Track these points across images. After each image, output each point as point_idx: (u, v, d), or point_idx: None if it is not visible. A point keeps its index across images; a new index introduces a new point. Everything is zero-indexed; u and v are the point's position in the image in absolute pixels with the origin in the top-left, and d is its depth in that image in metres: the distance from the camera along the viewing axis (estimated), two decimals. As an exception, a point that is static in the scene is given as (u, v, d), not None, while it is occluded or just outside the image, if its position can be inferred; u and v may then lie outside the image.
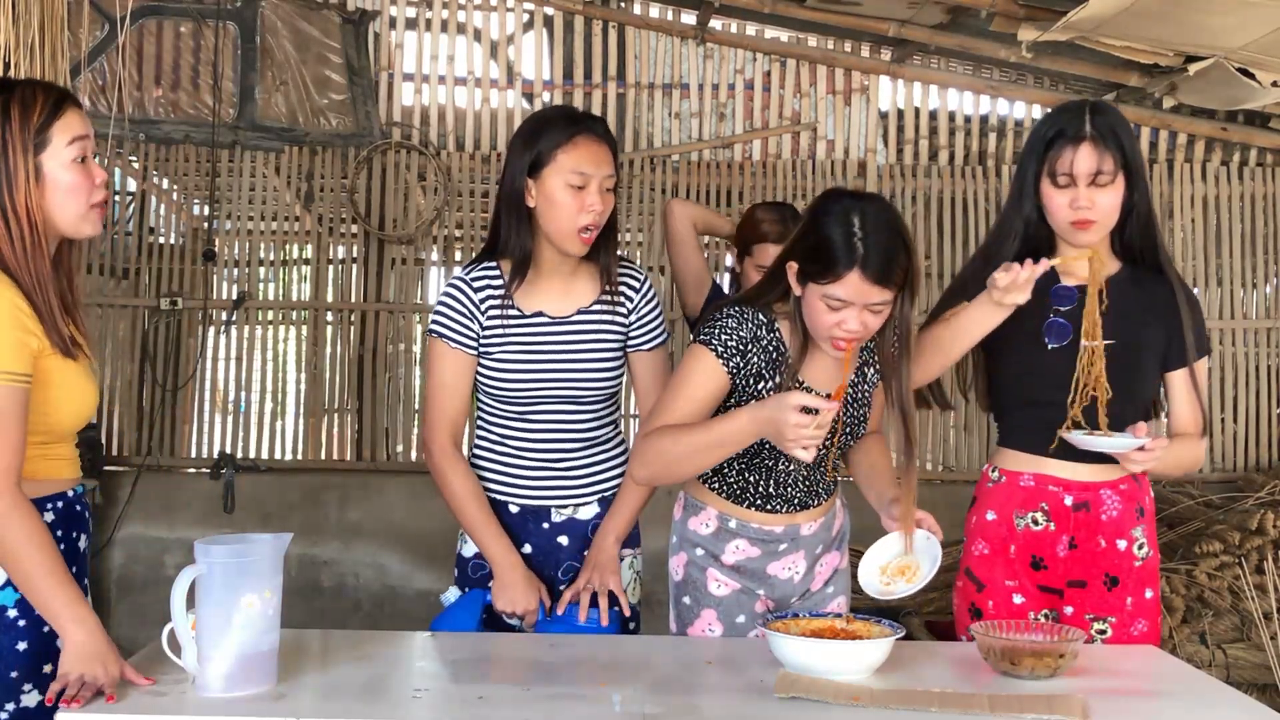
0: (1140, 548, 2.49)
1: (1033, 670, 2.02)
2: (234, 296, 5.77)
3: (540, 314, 2.50)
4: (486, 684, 2.07)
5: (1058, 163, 2.41)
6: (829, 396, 2.25)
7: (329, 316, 5.86)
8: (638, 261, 5.87)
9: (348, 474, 5.69)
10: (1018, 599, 2.50)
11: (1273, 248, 5.86)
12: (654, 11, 6.00)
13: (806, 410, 2.08)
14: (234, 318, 5.76)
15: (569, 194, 2.39)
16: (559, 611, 2.44)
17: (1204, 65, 4.57)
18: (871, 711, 1.84)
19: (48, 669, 1.99)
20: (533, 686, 1.97)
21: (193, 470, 5.69)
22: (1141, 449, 2.33)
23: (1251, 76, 4.51)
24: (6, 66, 3.13)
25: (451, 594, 2.56)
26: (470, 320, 2.48)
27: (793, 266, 2.26)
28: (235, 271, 5.86)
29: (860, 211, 2.19)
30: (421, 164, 5.85)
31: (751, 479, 2.41)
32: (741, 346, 2.30)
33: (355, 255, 5.90)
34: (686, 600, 2.46)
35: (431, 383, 2.52)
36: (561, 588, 2.53)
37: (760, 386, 2.31)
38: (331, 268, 5.93)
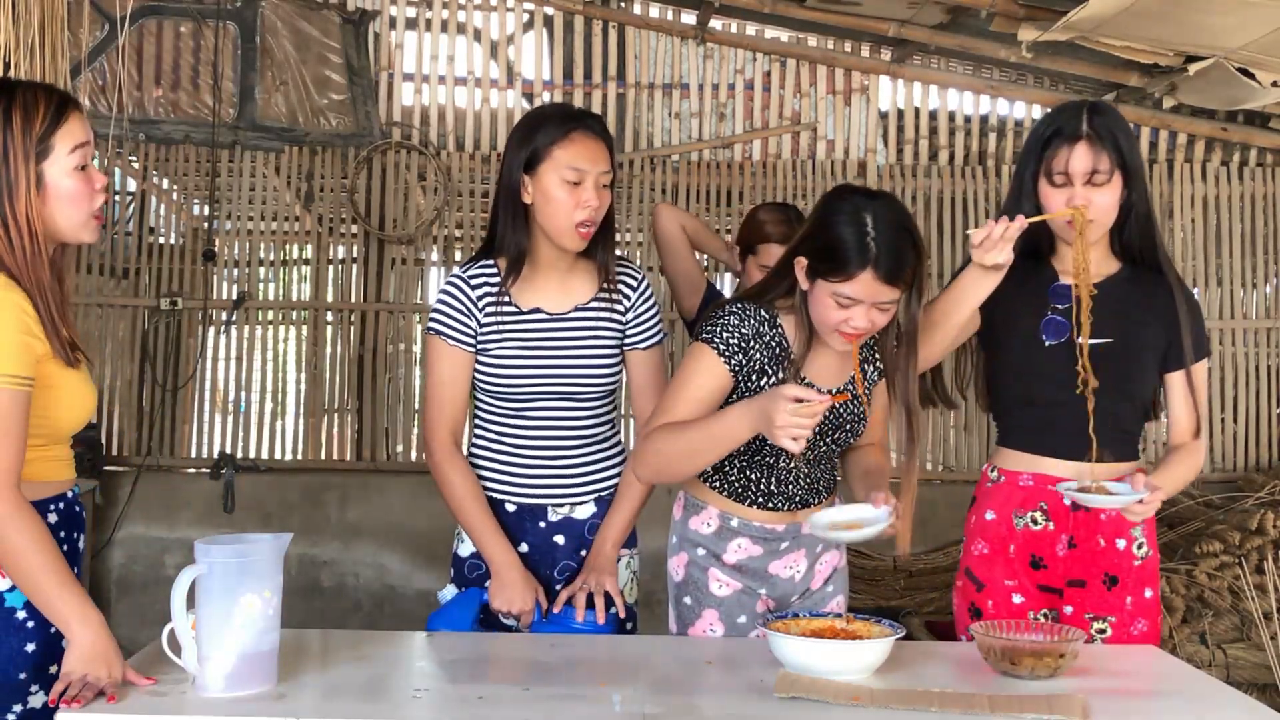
0: (1140, 547, 2.49)
1: (1033, 670, 2.02)
2: (234, 296, 5.77)
3: (538, 311, 2.50)
4: (486, 684, 2.07)
5: (1054, 162, 2.41)
6: (834, 394, 2.26)
7: (329, 316, 5.86)
8: (637, 262, 5.87)
9: (348, 474, 5.69)
10: (1017, 598, 2.50)
11: (1273, 248, 5.86)
12: (654, 11, 6.00)
13: (799, 402, 2.08)
14: (234, 318, 5.76)
15: (565, 190, 2.39)
16: (555, 610, 2.44)
17: (1204, 65, 4.57)
18: (871, 711, 1.84)
19: (54, 670, 1.98)
20: (533, 686, 1.97)
21: (193, 470, 5.69)
22: (1141, 501, 2.30)
23: (1251, 76, 4.51)
24: (6, 66, 3.13)
25: (448, 591, 2.57)
26: (468, 318, 2.48)
27: (801, 262, 2.26)
28: (235, 271, 5.86)
29: (873, 211, 2.19)
30: (421, 164, 5.85)
31: (753, 477, 2.41)
32: (743, 344, 2.31)
33: (355, 255, 5.91)
34: (687, 600, 2.46)
35: (430, 381, 2.53)
36: (558, 588, 2.53)
37: (763, 383, 2.32)
38: (331, 268, 5.93)
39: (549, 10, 6.01)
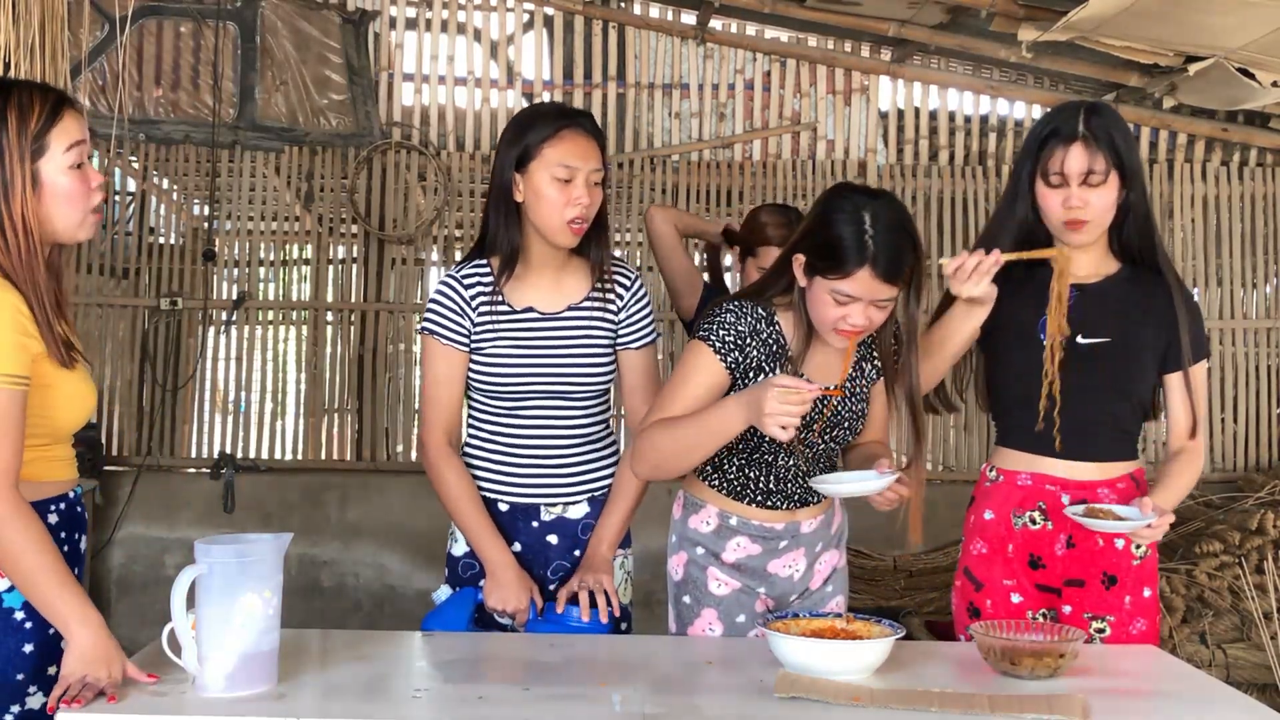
0: (1138, 546, 2.49)
1: (1033, 670, 2.02)
2: (234, 296, 5.77)
3: (531, 310, 2.50)
4: (486, 684, 2.07)
5: (1050, 162, 2.42)
6: (828, 390, 2.27)
7: (329, 316, 5.86)
8: (636, 262, 5.88)
9: (348, 474, 5.69)
10: (1016, 598, 2.50)
11: (1273, 248, 5.86)
12: (654, 11, 6.01)
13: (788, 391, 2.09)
14: (234, 318, 5.76)
15: (555, 188, 2.40)
16: (558, 610, 2.44)
17: (1204, 65, 4.58)
18: (871, 711, 1.84)
19: (53, 671, 1.98)
20: (533, 686, 1.97)
21: (193, 470, 5.70)
22: (1149, 525, 2.30)
23: (1251, 76, 4.51)
24: (6, 66, 3.13)
25: (443, 592, 2.57)
26: (462, 317, 2.48)
27: (799, 259, 2.27)
28: (235, 271, 5.86)
29: (872, 209, 2.20)
30: (421, 164, 5.85)
31: (752, 475, 2.41)
32: (740, 341, 2.31)
33: (355, 255, 5.91)
34: (686, 600, 2.46)
35: (426, 381, 2.53)
36: (551, 587, 2.53)
37: (760, 380, 2.32)
38: (331, 268, 5.93)
39: (549, 10, 6.01)
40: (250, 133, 5.79)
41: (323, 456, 5.79)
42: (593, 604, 2.43)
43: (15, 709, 1.96)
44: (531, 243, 2.48)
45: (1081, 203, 2.40)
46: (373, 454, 5.75)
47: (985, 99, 6.02)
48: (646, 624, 4.58)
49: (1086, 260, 2.50)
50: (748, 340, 2.32)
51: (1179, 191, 5.85)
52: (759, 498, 2.42)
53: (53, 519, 2.02)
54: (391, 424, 5.80)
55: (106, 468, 5.48)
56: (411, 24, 6.03)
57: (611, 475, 2.59)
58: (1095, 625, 2.46)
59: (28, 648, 1.97)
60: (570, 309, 2.52)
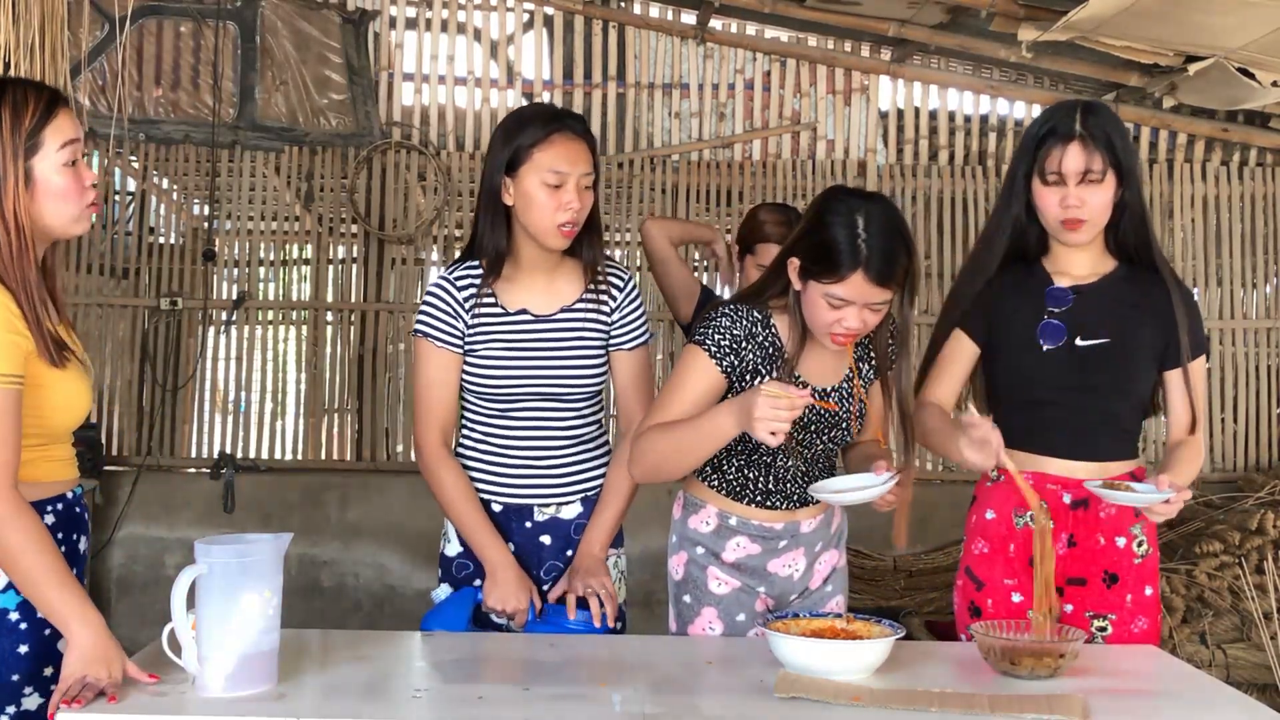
0: (1140, 545, 2.49)
1: (1033, 670, 2.02)
2: (234, 296, 5.77)
3: (524, 312, 2.50)
4: (486, 684, 2.07)
5: (1047, 161, 2.42)
6: (820, 397, 2.30)
7: (329, 316, 5.86)
8: (635, 262, 5.88)
9: (348, 474, 5.69)
10: (1017, 597, 2.50)
11: (1273, 248, 5.86)
12: (654, 11, 6.01)
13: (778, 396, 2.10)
14: (234, 318, 5.76)
15: (545, 192, 2.39)
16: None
17: (1204, 65, 4.57)
18: (871, 711, 1.84)
19: (49, 672, 1.98)
20: (533, 686, 1.97)
21: (193, 470, 5.70)
22: (1167, 502, 2.31)
23: (1251, 76, 4.51)
24: (6, 66, 3.13)
25: (442, 591, 2.57)
26: (455, 319, 2.48)
27: (794, 263, 2.28)
28: (235, 271, 5.86)
29: (865, 212, 2.21)
30: (421, 164, 5.85)
31: (751, 475, 2.42)
32: (735, 345, 2.32)
33: (355, 255, 5.91)
34: (686, 599, 2.46)
35: (419, 383, 2.52)
36: (545, 588, 2.53)
37: (756, 383, 2.33)
38: (331, 268, 5.93)
39: (549, 10, 6.01)
40: (250, 133, 5.79)
41: (323, 456, 5.79)
42: (587, 606, 2.44)
43: (11, 710, 1.96)
44: (523, 245, 2.47)
45: (1079, 202, 2.40)
46: (373, 454, 5.75)
47: (985, 99, 6.02)
48: (646, 624, 4.59)
49: (1083, 259, 2.51)
50: (743, 344, 2.33)
51: (1179, 191, 5.85)
52: (758, 498, 2.43)
53: (49, 520, 2.01)
54: (391, 424, 5.80)
55: (106, 468, 5.48)
56: (411, 24, 6.03)
57: (604, 476, 2.59)
58: (1097, 624, 2.46)
59: (23, 649, 1.97)
60: (563, 311, 2.52)
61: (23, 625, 1.97)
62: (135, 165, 5.82)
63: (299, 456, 5.80)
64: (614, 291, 2.55)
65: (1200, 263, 5.85)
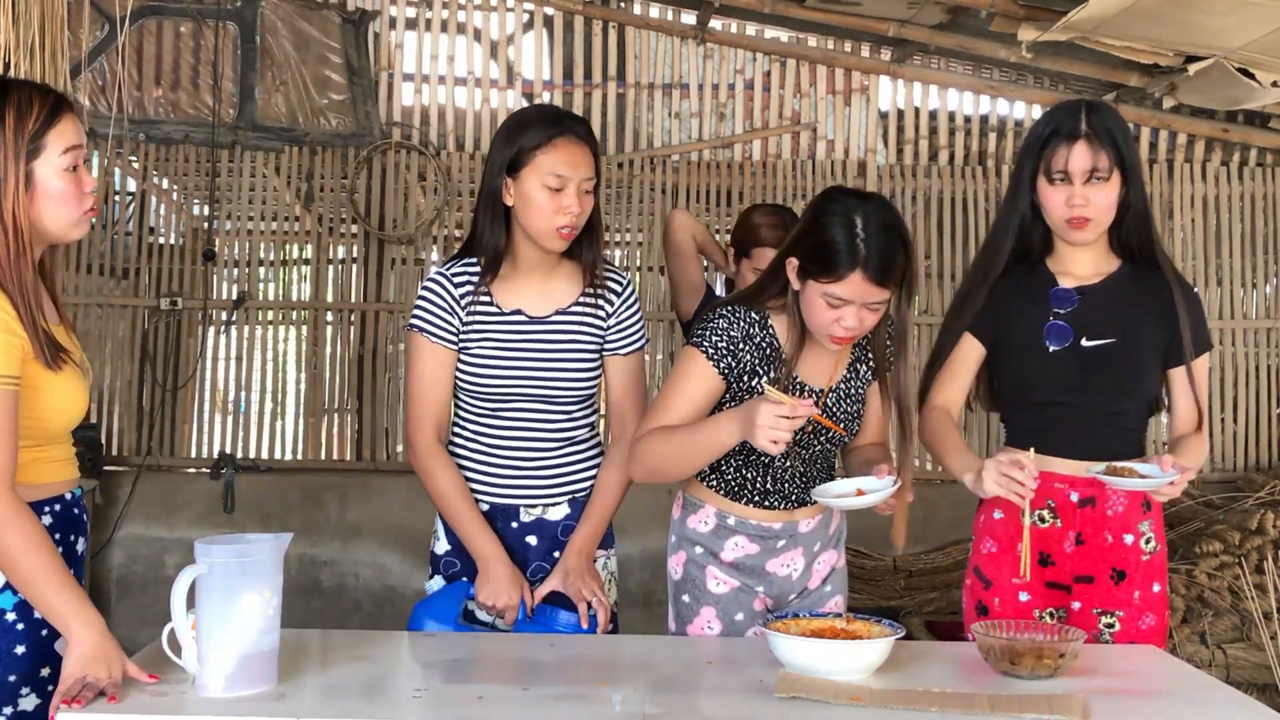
0: (1147, 542, 2.50)
1: (1033, 670, 2.02)
2: (234, 296, 5.77)
3: (519, 312, 2.49)
4: (486, 684, 2.07)
5: (1053, 160, 2.43)
6: (820, 395, 2.29)
7: (329, 316, 5.86)
8: (637, 261, 5.88)
9: (348, 474, 5.69)
10: (1024, 596, 2.51)
11: (1273, 248, 5.86)
12: (654, 11, 6.00)
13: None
14: (234, 318, 5.76)
15: (546, 195, 2.38)
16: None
17: (1204, 65, 4.57)
18: (871, 711, 1.84)
19: (46, 672, 1.98)
20: (532, 686, 1.97)
21: (193, 470, 5.69)
22: (1172, 483, 2.31)
23: (1251, 76, 4.51)
24: (6, 66, 3.13)
25: (436, 583, 2.57)
26: (450, 315, 2.47)
27: (792, 263, 2.29)
28: (235, 271, 5.86)
29: (863, 212, 2.22)
30: (421, 164, 5.85)
31: (749, 475, 2.42)
32: (732, 346, 2.33)
33: (355, 255, 5.91)
34: (685, 598, 2.47)
35: (412, 378, 2.51)
36: (535, 589, 2.53)
37: (754, 383, 2.34)
38: (331, 268, 5.93)
39: (549, 10, 6.01)
40: (250, 133, 5.79)
41: (322, 456, 5.79)
42: (577, 608, 2.44)
43: (8, 711, 1.96)
44: (521, 246, 2.47)
45: (1084, 200, 2.41)
46: (372, 454, 5.75)
47: (985, 99, 6.01)
48: (646, 624, 4.58)
49: (1087, 259, 2.52)
50: (740, 345, 2.34)
51: (1179, 191, 5.85)
52: (756, 498, 2.43)
53: (46, 520, 2.01)
54: (391, 424, 5.79)
55: (106, 468, 5.48)
56: (411, 24, 6.02)
57: (594, 478, 2.58)
58: (1105, 620, 2.47)
59: (20, 649, 1.97)
60: (558, 313, 2.51)
61: (20, 626, 1.97)
62: (135, 165, 5.82)
63: (299, 456, 5.79)
64: (611, 296, 2.55)
65: (1200, 263, 5.85)
